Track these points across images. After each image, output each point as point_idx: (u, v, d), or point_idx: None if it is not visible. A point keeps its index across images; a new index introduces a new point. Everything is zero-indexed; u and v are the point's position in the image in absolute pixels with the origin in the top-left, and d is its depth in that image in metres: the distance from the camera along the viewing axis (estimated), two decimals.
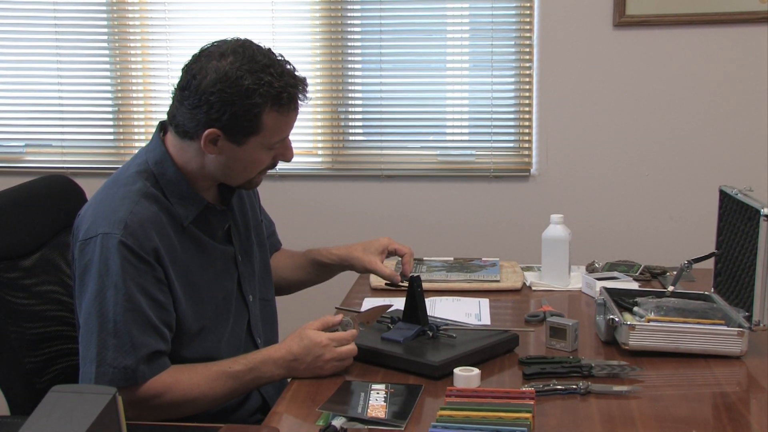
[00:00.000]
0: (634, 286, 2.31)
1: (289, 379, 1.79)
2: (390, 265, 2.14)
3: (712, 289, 2.14)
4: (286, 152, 1.81)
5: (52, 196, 2.02)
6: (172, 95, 1.75)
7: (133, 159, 1.82)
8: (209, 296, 1.80)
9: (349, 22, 3.42)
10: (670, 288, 2.08)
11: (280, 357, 1.74)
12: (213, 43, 1.74)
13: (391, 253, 2.10)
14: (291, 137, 1.81)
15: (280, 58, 1.74)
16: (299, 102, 1.75)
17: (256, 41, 1.76)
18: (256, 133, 1.72)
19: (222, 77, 1.67)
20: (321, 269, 2.16)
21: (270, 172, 1.88)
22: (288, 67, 1.74)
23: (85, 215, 1.73)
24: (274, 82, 1.69)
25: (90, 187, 2.09)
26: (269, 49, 1.75)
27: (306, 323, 1.79)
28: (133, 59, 3.53)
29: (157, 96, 3.52)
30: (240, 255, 1.90)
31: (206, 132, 1.70)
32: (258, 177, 1.83)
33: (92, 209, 1.73)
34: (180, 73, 1.75)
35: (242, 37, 1.77)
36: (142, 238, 1.66)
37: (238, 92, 1.67)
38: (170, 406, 1.68)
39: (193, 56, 1.74)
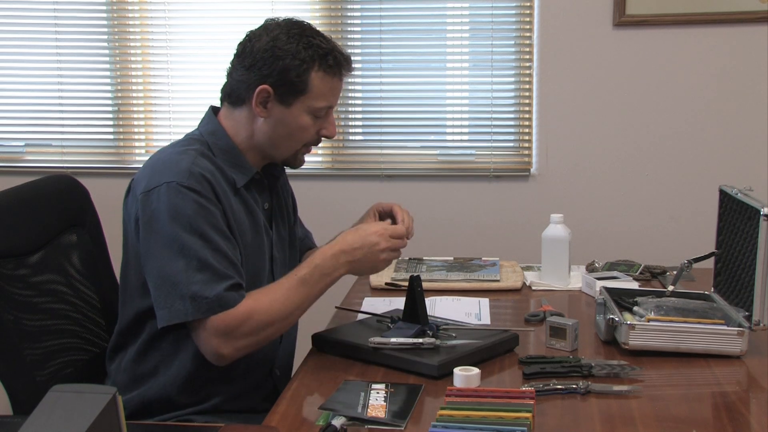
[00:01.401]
0: (634, 285, 2.31)
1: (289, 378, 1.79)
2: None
3: (712, 289, 2.14)
4: (329, 126, 1.90)
5: (57, 195, 2.02)
6: (227, 72, 1.87)
7: (186, 135, 1.91)
8: (253, 259, 1.87)
9: (349, 21, 3.42)
10: (670, 287, 2.08)
11: (338, 250, 1.83)
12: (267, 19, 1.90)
13: (383, 213, 2.04)
14: None
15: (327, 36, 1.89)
16: (344, 73, 1.87)
17: None
18: (303, 93, 1.82)
19: (275, 38, 1.82)
20: None
21: None
22: (334, 43, 1.88)
23: (141, 175, 1.80)
24: (323, 44, 1.83)
25: (90, 187, 2.10)
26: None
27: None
28: (133, 59, 3.53)
29: (157, 96, 3.52)
30: (276, 242, 1.96)
31: (258, 89, 1.81)
32: (302, 154, 1.93)
33: (149, 168, 1.80)
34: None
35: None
36: (206, 185, 1.75)
37: (288, 50, 1.80)
38: (259, 327, 1.74)
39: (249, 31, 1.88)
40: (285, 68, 1.80)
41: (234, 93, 1.85)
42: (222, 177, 1.81)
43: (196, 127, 1.92)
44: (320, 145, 3.41)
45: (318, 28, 1.88)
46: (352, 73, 1.92)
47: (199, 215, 1.72)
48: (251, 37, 1.85)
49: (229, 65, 1.87)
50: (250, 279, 1.83)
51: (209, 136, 1.87)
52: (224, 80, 1.89)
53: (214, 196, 1.76)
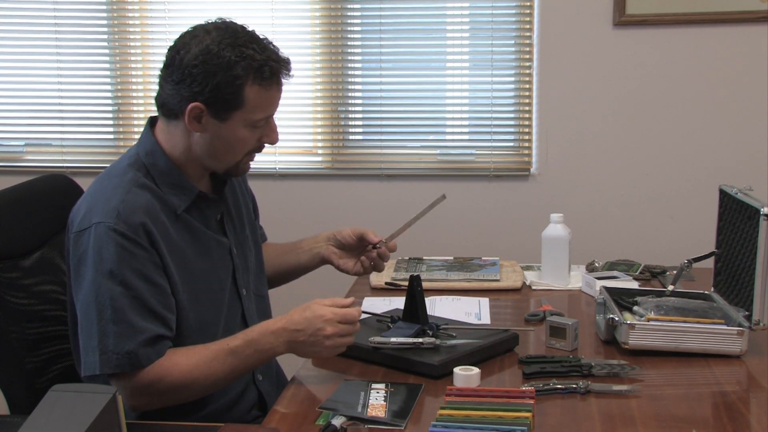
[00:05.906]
0: (634, 285, 2.32)
1: (289, 378, 1.79)
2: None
3: (712, 289, 2.14)
4: (270, 133, 1.80)
5: (52, 195, 2.02)
6: (158, 81, 1.76)
7: (125, 154, 1.83)
8: (205, 285, 1.80)
9: (349, 21, 3.42)
10: (670, 287, 2.08)
11: (280, 327, 1.70)
12: (197, 24, 1.77)
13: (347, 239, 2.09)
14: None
15: (263, 38, 1.76)
16: (282, 79, 1.75)
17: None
18: (238, 108, 1.71)
19: (204, 50, 1.69)
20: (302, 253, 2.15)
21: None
22: (271, 46, 1.76)
23: (79, 208, 1.74)
24: (256, 56, 1.70)
25: None
26: (253, 30, 1.77)
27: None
28: (133, 59, 3.53)
29: None
30: (235, 248, 1.90)
31: (190, 107, 1.70)
32: (245, 162, 1.82)
33: (86, 202, 1.74)
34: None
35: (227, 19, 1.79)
36: (135, 225, 1.67)
37: (220, 64, 1.68)
38: (171, 389, 1.66)
39: (178, 36, 1.76)
40: (217, 84, 1.68)
41: (166, 106, 1.75)
42: (161, 206, 1.73)
43: (135, 145, 1.82)
44: (320, 145, 3.47)
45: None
46: (290, 78, 1.78)
47: (122, 261, 1.64)
48: (179, 49, 1.71)
49: (159, 75, 1.75)
50: (208, 301, 1.79)
51: (147, 158, 1.77)
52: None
53: (145, 236, 1.67)
